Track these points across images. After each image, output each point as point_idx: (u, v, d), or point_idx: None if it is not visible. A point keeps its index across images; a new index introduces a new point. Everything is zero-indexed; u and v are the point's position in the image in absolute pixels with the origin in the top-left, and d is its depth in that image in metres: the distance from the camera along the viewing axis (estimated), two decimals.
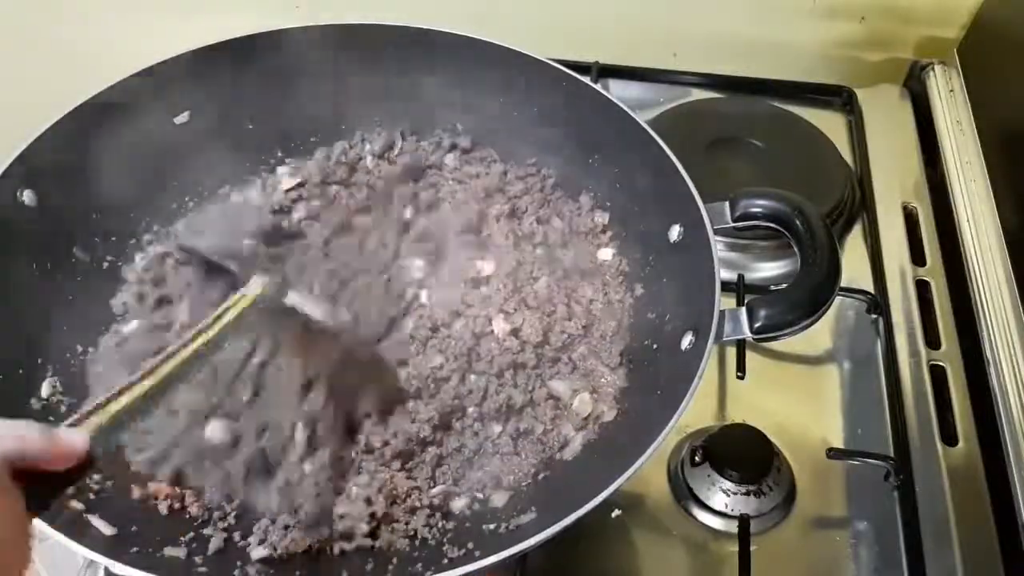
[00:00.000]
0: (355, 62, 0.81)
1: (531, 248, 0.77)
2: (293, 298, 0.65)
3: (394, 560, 0.60)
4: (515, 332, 0.71)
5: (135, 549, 0.57)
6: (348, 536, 0.60)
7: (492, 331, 0.71)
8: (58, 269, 0.70)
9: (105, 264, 0.74)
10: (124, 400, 0.46)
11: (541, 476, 0.65)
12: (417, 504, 0.62)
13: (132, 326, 0.71)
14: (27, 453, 0.39)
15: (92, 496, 0.59)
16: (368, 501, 0.61)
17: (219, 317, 0.57)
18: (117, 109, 0.72)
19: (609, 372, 0.70)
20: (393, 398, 0.67)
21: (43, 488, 0.40)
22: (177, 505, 0.61)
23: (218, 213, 0.78)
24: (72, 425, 0.43)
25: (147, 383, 0.48)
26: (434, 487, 0.64)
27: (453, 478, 0.65)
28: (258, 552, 0.59)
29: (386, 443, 0.65)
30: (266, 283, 0.62)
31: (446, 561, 0.59)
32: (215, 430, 0.62)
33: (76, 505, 0.57)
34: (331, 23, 0.79)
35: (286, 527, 0.60)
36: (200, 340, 0.53)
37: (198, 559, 0.59)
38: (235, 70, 0.78)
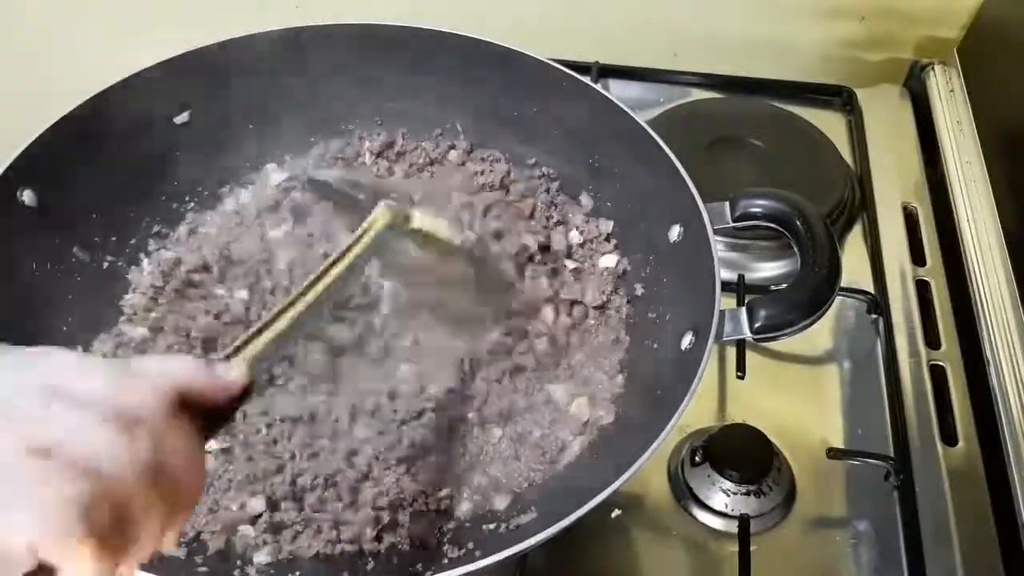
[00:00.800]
0: (354, 62, 0.81)
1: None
2: (422, 220, 0.64)
3: (394, 560, 0.60)
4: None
5: None
6: (354, 542, 0.60)
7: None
8: (58, 269, 0.70)
9: (105, 264, 0.74)
10: (273, 330, 0.46)
11: (541, 478, 0.65)
12: (423, 508, 0.62)
13: (141, 331, 0.71)
14: (193, 387, 0.39)
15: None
16: (375, 507, 0.61)
17: (352, 245, 0.56)
18: (117, 109, 0.72)
19: (607, 379, 0.70)
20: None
21: (207, 420, 0.40)
22: None
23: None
24: (227, 357, 0.43)
25: (292, 312, 0.48)
26: (440, 491, 0.64)
27: (457, 482, 0.65)
28: (262, 557, 0.59)
29: (392, 447, 0.65)
30: (394, 208, 0.62)
31: (446, 561, 0.59)
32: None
33: None
34: (330, 23, 0.79)
35: (296, 533, 0.60)
36: (339, 267, 0.53)
37: (198, 559, 0.59)
38: (235, 70, 0.78)
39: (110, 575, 0.33)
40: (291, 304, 0.48)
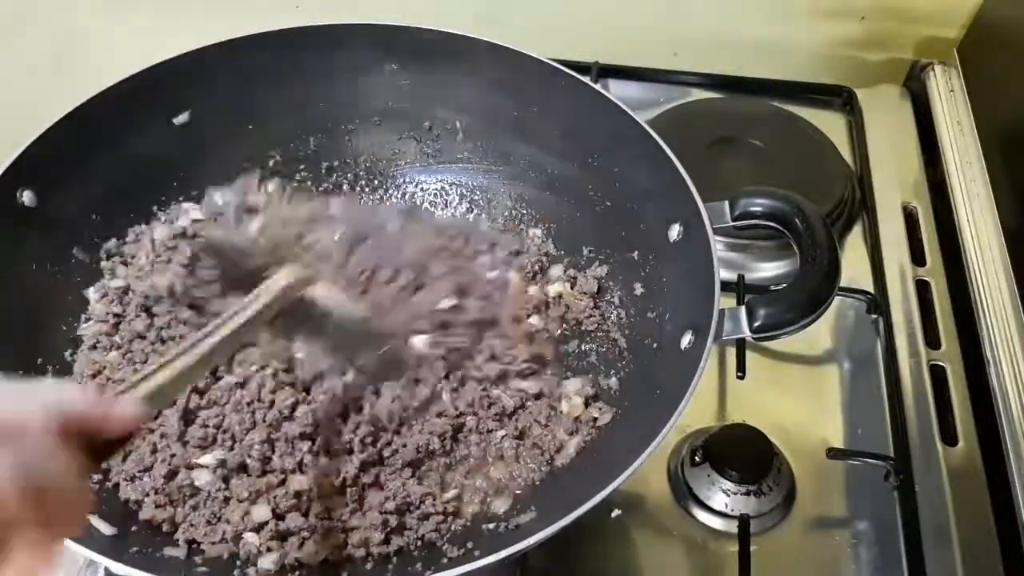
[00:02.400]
0: (354, 62, 0.81)
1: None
2: (319, 291, 0.64)
3: (394, 560, 0.60)
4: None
5: (135, 549, 0.57)
6: (362, 545, 0.60)
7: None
8: (58, 269, 0.70)
9: (104, 264, 0.74)
10: (169, 371, 0.47)
11: (540, 477, 0.65)
12: (431, 511, 0.62)
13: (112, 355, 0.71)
14: (85, 418, 0.40)
15: (92, 496, 0.59)
16: (382, 511, 0.61)
17: (250, 304, 0.57)
18: (117, 109, 0.72)
19: (605, 379, 0.70)
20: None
21: (95, 450, 0.41)
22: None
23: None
24: (123, 392, 0.44)
25: (187, 358, 0.49)
26: (446, 493, 0.64)
27: (461, 484, 0.65)
28: (266, 562, 0.59)
29: (395, 452, 0.65)
30: (295, 272, 0.62)
31: (445, 560, 0.59)
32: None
33: None
34: (330, 23, 0.79)
35: (303, 540, 0.60)
36: (232, 324, 0.54)
37: (198, 559, 0.59)
38: (235, 70, 0.78)
39: None
40: (190, 348, 0.50)
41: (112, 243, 0.75)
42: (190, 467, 0.63)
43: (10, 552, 0.35)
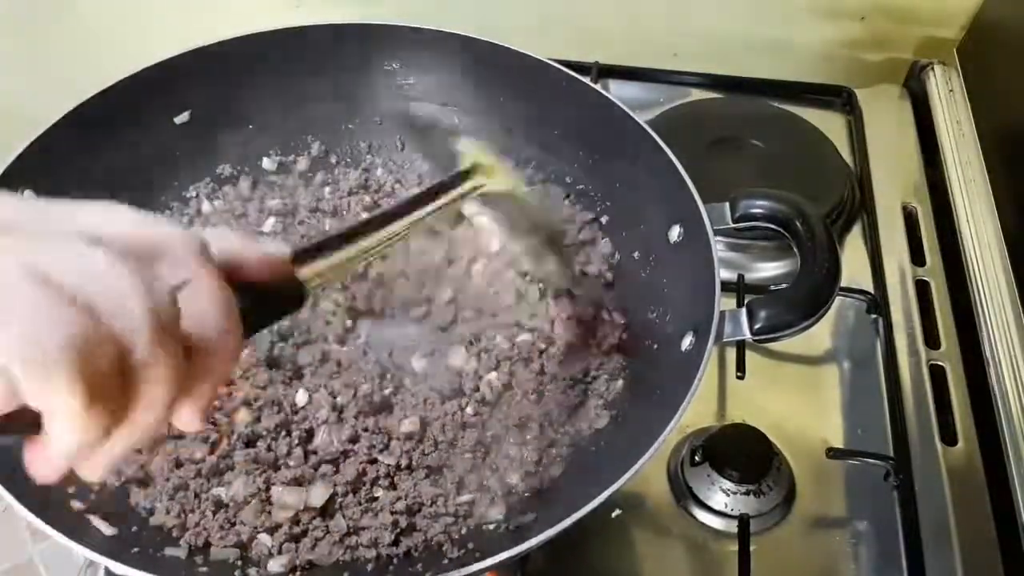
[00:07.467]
0: (355, 62, 0.81)
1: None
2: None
3: (394, 560, 0.60)
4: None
5: (135, 549, 0.57)
6: (372, 546, 0.60)
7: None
8: None
9: None
10: (343, 253, 0.43)
11: (540, 478, 0.65)
12: (442, 511, 0.62)
13: None
14: (237, 257, 0.36)
15: (92, 496, 0.59)
16: (392, 511, 0.61)
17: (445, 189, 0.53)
18: (117, 109, 0.72)
19: (606, 380, 0.70)
20: None
21: (255, 308, 0.37)
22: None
23: None
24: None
25: (365, 242, 0.45)
26: (461, 496, 0.63)
27: (463, 484, 0.64)
28: (275, 565, 0.58)
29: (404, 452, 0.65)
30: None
31: (446, 561, 0.59)
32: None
33: (76, 505, 0.58)
34: (331, 22, 0.79)
35: (316, 541, 0.60)
36: (413, 217, 0.49)
37: (198, 559, 0.59)
38: (236, 69, 0.78)
39: (96, 437, 0.29)
40: (371, 226, 0.46)
41: None
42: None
43: (141, 403, 0.29)
